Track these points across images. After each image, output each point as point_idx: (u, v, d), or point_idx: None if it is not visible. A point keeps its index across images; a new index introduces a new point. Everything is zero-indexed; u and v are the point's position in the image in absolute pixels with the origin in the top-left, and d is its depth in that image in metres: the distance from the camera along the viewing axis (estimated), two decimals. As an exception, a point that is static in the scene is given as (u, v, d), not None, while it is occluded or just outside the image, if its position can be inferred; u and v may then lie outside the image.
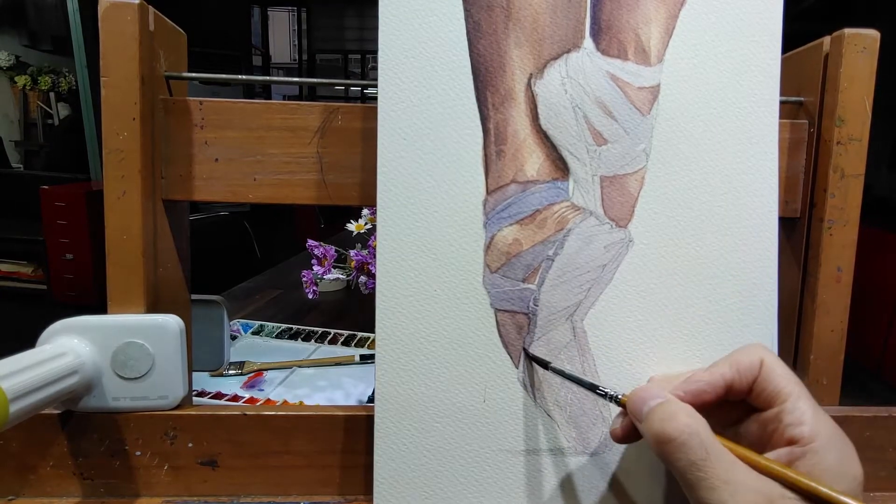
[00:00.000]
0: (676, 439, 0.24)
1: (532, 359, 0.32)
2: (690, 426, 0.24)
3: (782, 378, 0.26)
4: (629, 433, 0.28)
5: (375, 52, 0.32)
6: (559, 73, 0.32)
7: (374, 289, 0.33)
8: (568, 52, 0.32)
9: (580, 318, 0.33)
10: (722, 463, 0.23)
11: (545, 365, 0.31)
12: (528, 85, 0.32)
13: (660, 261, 0.33)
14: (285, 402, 0.64)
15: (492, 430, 0.32)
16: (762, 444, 0.26)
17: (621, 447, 0.33)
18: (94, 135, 2.64)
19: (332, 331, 0.85)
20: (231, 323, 0.69)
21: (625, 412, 0.28)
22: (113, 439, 0.34)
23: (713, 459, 0.23)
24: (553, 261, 0.32)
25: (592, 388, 0.30)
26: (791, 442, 0.24)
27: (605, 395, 0.29)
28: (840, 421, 0.25)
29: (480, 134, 0.32)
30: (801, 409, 0.25)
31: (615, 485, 0.33)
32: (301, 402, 0.64)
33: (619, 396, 0.28)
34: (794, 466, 0.24)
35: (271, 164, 0.35)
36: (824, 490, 0.22)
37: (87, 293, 2.33)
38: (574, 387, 0.33)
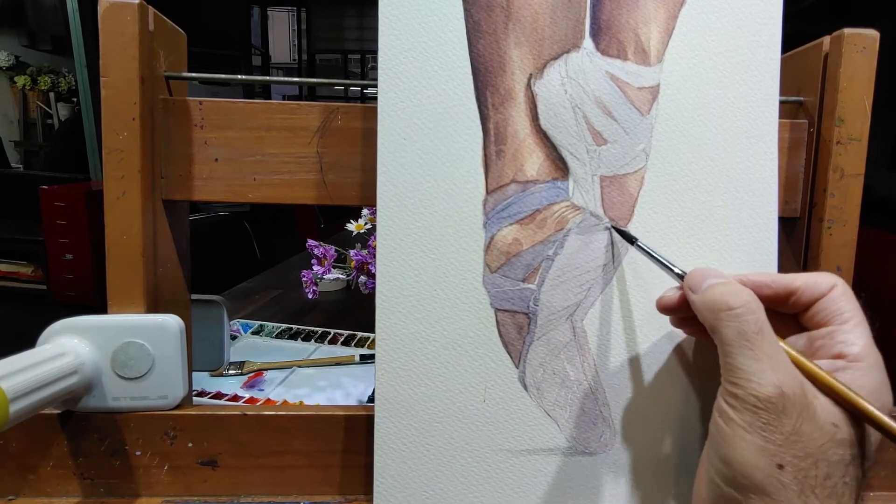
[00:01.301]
0: (735, 309, 0.24)
1: (619, 232, 0.32)
2: (751, 302, 0.25)
3: (850, 303, 0.26)
4: (676, 305, 0.29)
5: (375, 52, 0.32)
6: (559, 73, 0.32)
7: (374, 289, 0.33)
8: (568, 52, 0.32)
9: (580, 318, 0.33)
10: (770, 341, 0.24)
11: (632, 240, 0.32)
12: (528, 85, 0.32)
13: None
14: (285, 402, 0.64)
15: (492, 430, 0.32)
16: (806, 356, 0.26)
17: (621, 447, 0.33)
18: (94, 135, 2.63)
19: (332, 331, 0.85)
20: (231, 323, 0.69)
21: (680, 287, 0.29)
22: (113, 439, 0.34)
23: (764, 335, 0.24)
24: (553, 261, 0.32)
25: (666, 266, 0.30)
26: (837, 357, 0.25)
27: (670, 270, 0.29)
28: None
29: (480, 134, 0.32)
30: (857, 333, 0.25)
31: (615, 485, 0.33)
32: (301, 402, 0.64)
33: (679, 271, 0.29)
34: (836, 378, 0.24)
35: (271, 164, 0.35)
36: (855, 397, 0.23)
37: (87, 293, 2.33)
38: (574, 387, 0.33)
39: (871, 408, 0.22)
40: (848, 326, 0.25)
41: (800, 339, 0.27)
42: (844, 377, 0.24)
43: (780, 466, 0.22)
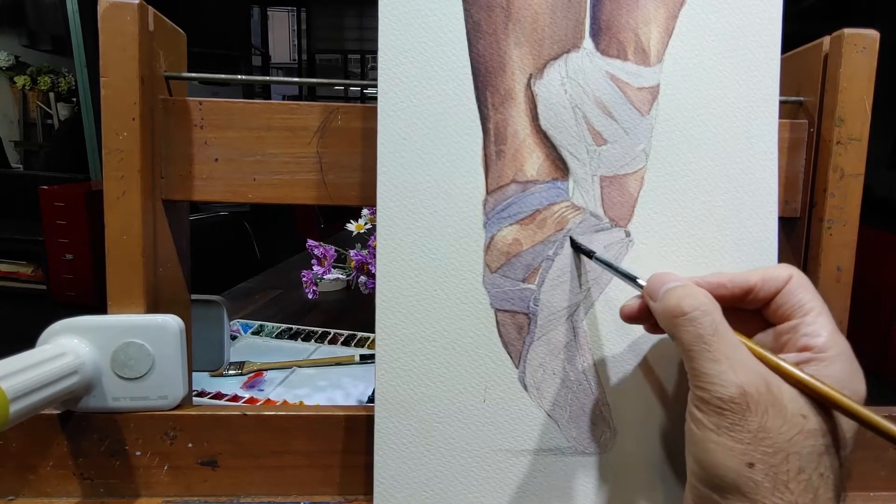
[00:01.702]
0: (689, 313, 0.25)
1: (575, 247, 0.32)
2: (705, 304, 0.25)
3: (808, 293, 0.26)
4: (638, 313, 0.29)
5: (375, 52, 0.32)
6: (559, 73, 0.32)
7: (374, 289, 0.33)
8: (568, 52, 0.32)
9: (580, 318, 0.33)
10: (728, 341, 0.24)
11: (589, 254, 0.32)
12: (528, 85, 0.32)
13: (659, 260, 0.33)
14: (285, 402, 0.64)
15: (492, 430, 0.32)
16: (773, 352, 0.26)
17: (621, 447, 0.33)
18: (94, 135, 2.64)
19: (332, 331, 0.85)
20: (231, 323, 0.69)
21: (641, 295, 0.29)
22: (113, 439, 0.34)
23: (720, 336, 0.24)
24: (553, 261, 0.32)
25: (626, 276, 0.30)
26: (803, 349, 0.25)
27: (631, 280, 0.29)
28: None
29: (480, 134, 0.32)
30: (820, 323, 0.25)
31: (615, 485, 0.33)
32: (301, 402, 0.64)
33: (640, 281, 0.29)
34: (801, 369, 0.24)
35: (271, 164, 0.35)
36: (819, 384, 0.23)
37: (87, 293, 2.33)
38: (573, 387, 0.33)
39: (834, 393, 0.22)
40: (810, 318, 0.25)
41: (766, 335, 0.27)
42: (811, 369, 0.24)
43: (751, 465, 0.22)
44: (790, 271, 0.27)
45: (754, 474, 0.22)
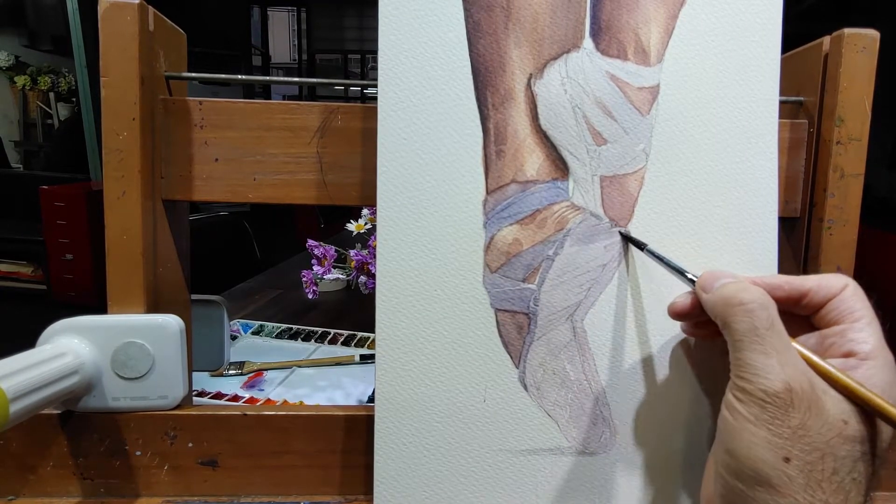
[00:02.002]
0: (747, 304, 0.25)
1: (627, 238, 0.32)
2: (763, 298, 0.25)
3: (860, 302, 0.26)
4: (689, 310, 0.29)
5: (375, 52, 0.32)
6: (559, 73, 0.32)
7: (374, 289, 0.33)
8: (568, 52, 0.32)
9: (580, 318, 0.33)
10: (781, 338, 0.24)
11: (641, 246, 0.32)
12: (528, 85, 0.32)
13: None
14: (285, 402, 0.64)
15: (492, 430, 0.32)
16: (817, 355, 0.26)
17: (621, 447, 0.33)
18: (94, 135, 2.64)
19: (332, 331, 0.85)
20: (231, 323, 0.69)
21: (692, 291, 0.29)
22: (113, 439, 0.34)
23: (775, 331, 0.24)
24: (553, 261, 0.32)
25: (677, 270, 0.30)
26: (848, 355, 0.25)
27: (682, 275, 0.29)
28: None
29: (480, 134, 0.32)
30: (868, 331, 0.25)
31: (615, 485, 0.33)
32: (301, 402, 0.64)
33: (691, 276, 0.29)
34: (848, 374, 0.24)
35: (271, 164, 0.35)
36: (867, 392, 0.23)
37: (87, 293, 2.33)
38: (574, 387, 0.33)
39: (882, 402, 0.22)
40: (859, 325, 0.25)
41: (811, 337, 0.27)
42: (855, 374, 0.24)
43: (787, 460, 0.22)
44: (846, 281, 0.27)
45: (789, 469, 0.22)
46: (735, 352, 0.25)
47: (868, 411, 0.23)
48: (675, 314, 0.29)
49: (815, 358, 0.24)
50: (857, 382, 0.23)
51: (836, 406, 0.23)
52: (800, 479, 0.22)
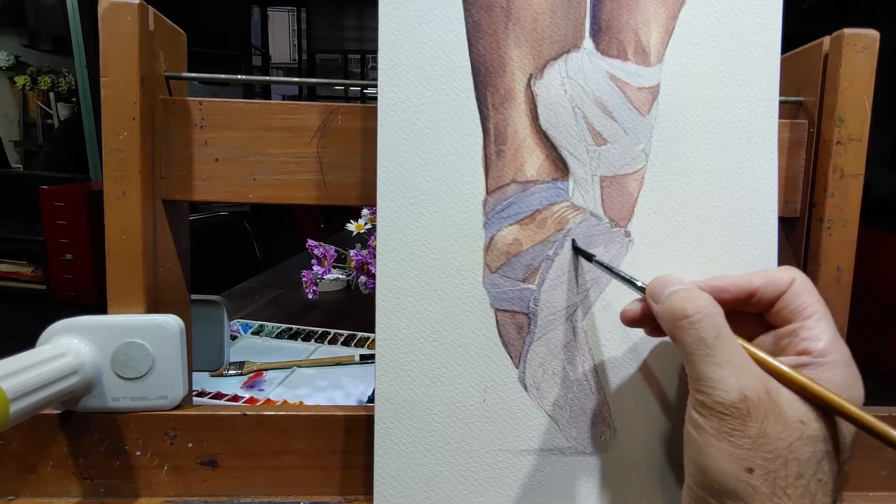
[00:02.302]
0: (692, 316, 0.24)
1: (576, 249, 0.32)
2: (707, 308, 0.25)
3: (810, 296, 0.26)
4: (640, 317, 0.28)
5: (375, 52, 0.32)
6: (559, 73, 0.32)
7: (374, 289, 0.33)
8: (568, 52, 0.32)
9: (580, 318, 0.33)
10: (730, 345, 0.24)
11: (589, 258, 0.31)
12: (528, 85, 0.32)
13: (660, 260, 0.33)
14: (285, 402, 0.64)
15: (492, 430, 0.32)
16: (773, 355, 0.26)
17: (621, 447, 0.33)
18: (94, 135, 2.64)
19: (332, 331, 0.85)
20: (231, 323, 0.69)
21: (642, 299, 0.29)
22: (113, 439, 0.34)
23: (723, 340, 0.24)
24: (553, 261, 0.32)
25: (626, 280, 0.30)
26: (802, 353, 0.25)
27: (631, 284, 0.29)
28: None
29: (480, 134, 0.32)
30: (820, 328, 0.25)
31: (615, 485, 0.33)
32: (301, 402, 0.64)
33: (640, 284, 0.29)
34: (800, 372, 0.24)
35: (271, 164, 0.35)
36: (821, 389, 0.23)
37: (87, 293, 2.33)
38: (574, 387, 0.33)
39: (834, 396, 0.22)
40: (811, 322, 0.25)
41: (767, 338, 0.27)
42: (809, 373, 0.24)
43: (750, 470, 0.22)
44: (792, 274, 0.27)
45: (753, 480, 0.22)
46: (688, 365, 0.25)
47: (825, 409, 0.23)
48: (627, 321, 0.29)
49: (767, 358, 0.24)
50: (810, 379, 0.23)
51: (793, 408, 0.23)
52: (764, 489, 0.22)
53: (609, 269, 0.31)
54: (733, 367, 0.23)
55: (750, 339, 0.26)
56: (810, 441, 0.22)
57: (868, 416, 0.22)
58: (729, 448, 0.23)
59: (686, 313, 0.25)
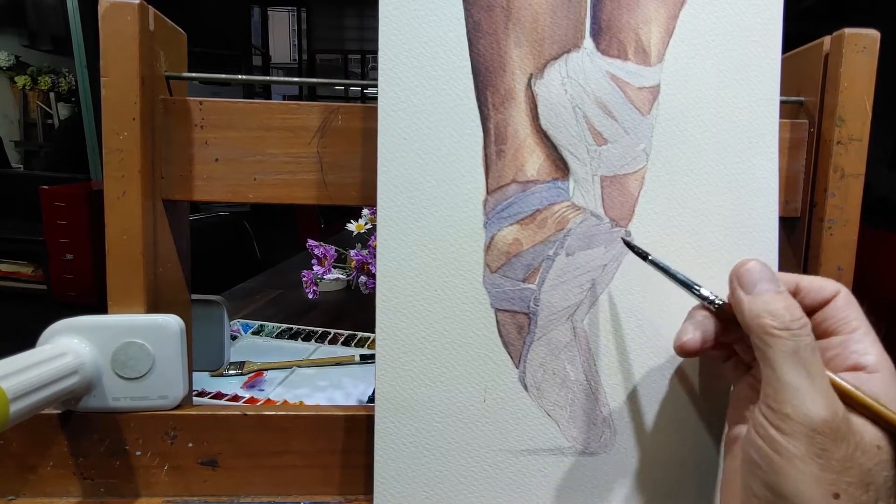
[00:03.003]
0: (795, 328, 0.23)
1: (630, 246, 0.31)
2: (808, 325, 0.24)
3: (855, 311, 0.26)
4: (698, 349, 0.27)
5: (375, 52, 0.32)
6: (559, 72, 0.32)
7: (374, 289, 0.33)
8: (568, 51, 0.32)
9: (580, 318, 0.33)
10: (820, 363, 0.23)
11: (644, 256, 0.30)
12: (529, 85, 0.32)
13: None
14: (285, 402, 0.64)
15: (492, 430, 0.32)
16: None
17: (621, 447, 0.33)
18: (94, 135, 2.64)
19: (332, 331, 0.85)
20: (231, 323, 0.69)
21: (706, 310, 0.27)
22: (113, 439, 0.34)
23: (816, 357, 0.23)
24: (553, 261, 0.32)
25: (686, 283, 0.28)
26: (854, 368, 0.24)
27: (686, 286, 0.28)
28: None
29: (480, 134, 0.32)
30: (868, 341, 0.25)
31: (615, 485, 0.33)
32: (301, 402, 0.64)
33: (700, 290, 0.28)
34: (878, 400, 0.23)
35: (271, 164, 0.35)
36: (885, 409, 0.22)
37: (87, 293, 2.33)
38: (574, 387, 0.33)
39: None
40: (858, 335, 0.25)
41: None
42: (866, 388, 0.23)
43: (837, 496, 0.21)
44: (838, 287, 0.26)
45: None
46: (775, 375, 0.23)
47: (891, 431, 0.23)
48: (685, 354, 0.27)
49: (841, 381, 0.23)
50: (883, 405, 0.23)
51: (869, 432, 0.22)
52: None
53: (665, 271, 0.29)
54: (824, 384, 0.23)
55: None
56: (885, 466, 0.22)
57: None
58: (817, 471, 0.22)
59: (785, 322, 0.24)
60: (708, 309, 0.28)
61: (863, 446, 0.22)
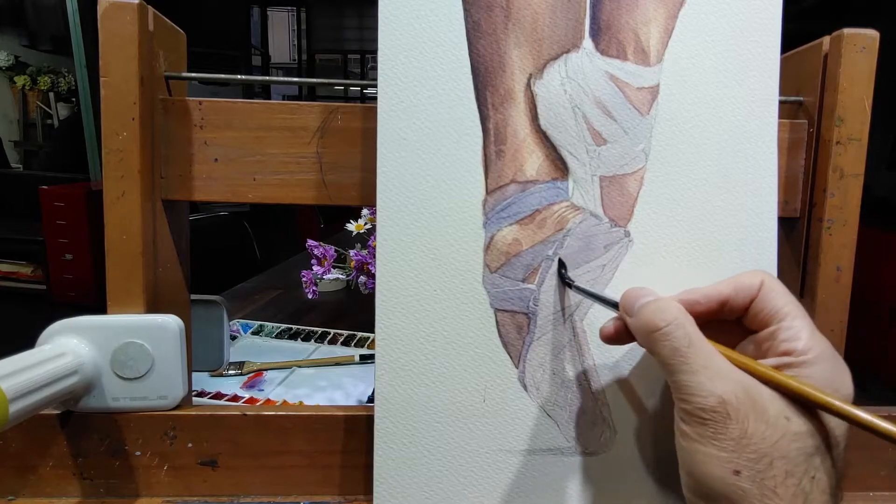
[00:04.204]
0: (663, 328, 0.25)
1: (560, 275, 0.32)
2: (678, 318, 0.25)
3: (781, 297, 0.26)
4: (616, 333, 0.29)
5: (375, 52, 0.32)
6: (559, 73, 0.32)
7: (374, 289, 0.33)
8: (567, 52, 0.32)
9: (580, 318, 0.33)
10: (703, 351, 0.24)
11: (569, 284, 0.32)
12: (528, 85, 0.32)
13: (659, 260, 0.33)
14: (285, 402, 0.64)
15: (492, 430, 0.32)
16: (755, 359, 0.26)
17: (621, 447, 0.33)
18: (94, 135, 2.63)
19: (332, 331, 0.85)
20: (231, 323, 0.69)
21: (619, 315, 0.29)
22: (113, 439, 0.34)
23: (695, 347, 0.24)
24: (553, 261, 0.32)
25: (603, 300, 0.30)
26: (784, 354, 0.25)
27: (607, 303, 0.29)
28: (840, 420, 0.25)
29: (480, 134, 0.32)
30: (797, 326, 0.25)
31: (615, 485, 0.33)
32: (301, 402, 0.64)
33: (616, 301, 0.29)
34: (778, 371, 0.24)
35: (271, 164, 0.35)
36: (793, 382, 0.23)
37: (87, 293, 2.33)
38: (574, 387, 0.33)
39: (809, 389, 0.22)
40: (787, 322, 0.25)
41: (748, 343, 0.27)
42: (792, 372, 0.24)
43: (737, 472, 0.22)
44: (761, 277, 0.27)
45: (741, 482, 0.22)
46: (668, 375, 0.25)
47: (807, 405, 0.23)
48: (605, 339, 0.29)
49: (742, 358, 0.24)
50: (786, 376, 0.23)
51: (775, 405, 0.23)
52: (754, 490, 0.22)
53: (589, 294, 0.31)
54: (709, 371, 0.24)
55: (731, 346, 0.26)
56: (797, 438, 0.22)
57: (843, 405, 0.22)
58: (714, 452, 0.23)
59: (657, 325, 0.25)
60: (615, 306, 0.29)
61: (766, 420, 0.23)
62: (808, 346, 0.24)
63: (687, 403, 0.24)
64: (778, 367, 0.24)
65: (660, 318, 0.25)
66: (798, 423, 0.23)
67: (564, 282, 0.32)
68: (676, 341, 0.24)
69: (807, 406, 0.23)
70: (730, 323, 0.28)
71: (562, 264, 0.32)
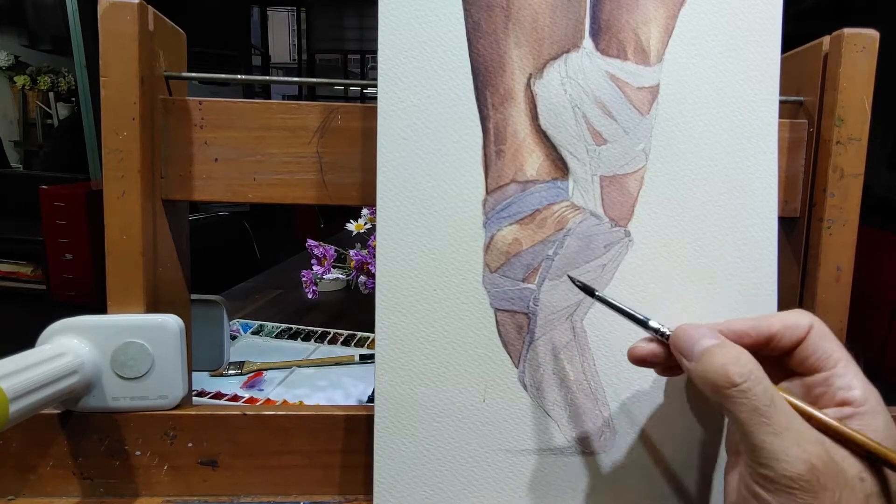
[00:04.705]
0: (741, 385, 0.23)
1: (576, 284, 0.31)
2: (753, 372, 0.23)
3: (832, 343, 0.25)
4: (654, 360, 0.27)
5: (375, 52, 0.32)
6: (559, 72, 0.32)
7: (374, 289, 0.33)
8: (567, 51, 0.32)
9: (580, 318, 0.33)
10: (784, 410, 0.23)
11: (591, 292, 0.30)
12: (528, 85, 0.32)
13: (659, 260, 0.33)
14: (285, 401, 0.64)
15: (492, 430, 0.32)
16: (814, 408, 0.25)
17: (621, 447, 0.33)
18: (94, 135, 2.63)
19: (332, 331, 0.85)
20: (231, 323, 0.69)
21: (656, 341, 0.28)
22: (113, 439, 0.34)
23: (776, 406, 0.23)
24: (553, 260, 0.32)
25: (640, 321, 0.28)
26: (841, 404, 0.24)
27: (639, 322, 0.28)
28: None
29: (480, 134, 0.32)
30: (851, 373, 0.25)
31: (615, 485, 0.33)
32: (301, 402, 0.64)
33: (666, 332, 0.27)
34: (860, 432, 0.23)
35: (271, 164, 0.35)
36: (878, 446, 0.22)
37: (87, 293, 2.33)
38: (574, 387, 0.33)
39: (890, 451, 0.22)
40: (840, 370, 0.25)
41: (794, 386, 0.26)
42: (855, 424, 0.23)
43: None
44: (811, 320, 0.26)
45: None
46: (745, 437, 0.23)
47: (874, 461, 0.22)
48: (637, 362, 0.28)
49: (817, 413, 0.23)
50: (863, 435, 0.22)
51: (852, 466, 0.22)
52: None
53: (613, 307, 0.29)
54: (793, 434, 0.22)
55: (775, 383, 0.25)
56: (870, 497, 0.22)
57: None
58: None
59: (732, 381, 0.23)
60: (660, 341, 0.28)
61: (848, 483, 0.22)
62: (864, 396, 0.24)
63: (769, 469, 0.22)
64: (840, 419, 0.23)
65: (735, 373, 0.23)
66: (870, 483, 0.22)
67: (585, 290, 0.30)
68: (757, 399, 0.22)
69: (872, 462, 0.22)
70: (768, 359, 0.26)
71: (573, 280, 0.31)
